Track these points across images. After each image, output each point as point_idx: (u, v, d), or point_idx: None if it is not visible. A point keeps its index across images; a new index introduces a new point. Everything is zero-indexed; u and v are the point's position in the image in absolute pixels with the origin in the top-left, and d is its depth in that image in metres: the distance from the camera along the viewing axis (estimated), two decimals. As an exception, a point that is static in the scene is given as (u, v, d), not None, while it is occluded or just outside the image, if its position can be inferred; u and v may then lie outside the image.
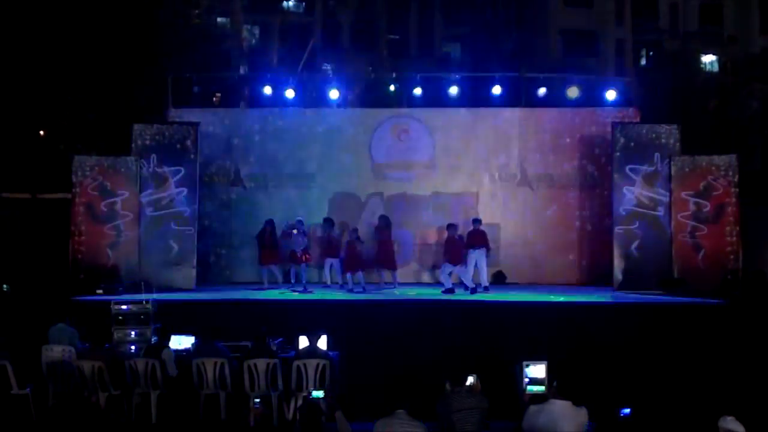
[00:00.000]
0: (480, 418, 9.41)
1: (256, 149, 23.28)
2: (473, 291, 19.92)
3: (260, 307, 18.25)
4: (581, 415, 8.86)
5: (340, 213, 22.88)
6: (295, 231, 20.44)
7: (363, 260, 20.96)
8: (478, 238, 20.43)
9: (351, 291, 20.15)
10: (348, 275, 20.52)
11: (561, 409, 8.81)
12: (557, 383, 8.99)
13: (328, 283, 21.40)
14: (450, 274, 20.32)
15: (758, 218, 21.33)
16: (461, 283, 20.44)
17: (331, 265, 21.39)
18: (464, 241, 20.50)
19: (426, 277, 22.80)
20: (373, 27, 46.27)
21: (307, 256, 20.64)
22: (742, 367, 15.29)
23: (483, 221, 21.14)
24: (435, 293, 19.88)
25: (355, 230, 21.04)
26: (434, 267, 22.61)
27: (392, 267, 21.26)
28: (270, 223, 20.98)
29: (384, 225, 21.09)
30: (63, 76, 28.81)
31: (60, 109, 28.97)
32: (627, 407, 9.30)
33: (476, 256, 20.31)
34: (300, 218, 21.00)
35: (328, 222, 21.31)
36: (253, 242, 21.40)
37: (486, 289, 20.26)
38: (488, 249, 20.61)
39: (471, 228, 20.66)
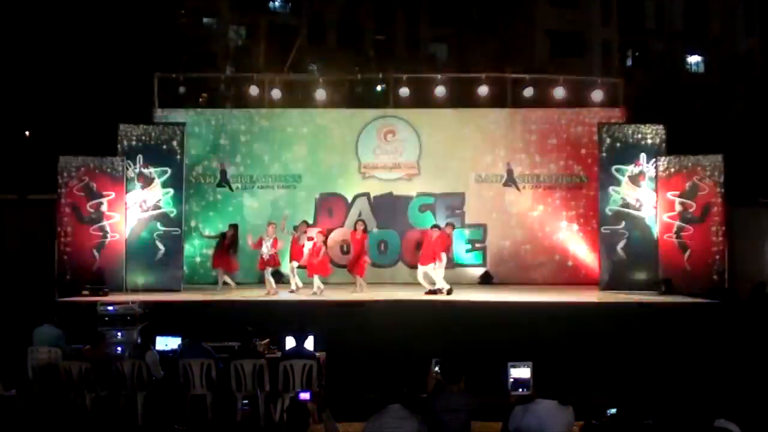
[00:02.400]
0: (468, 418, 9.43)
1: (243, 150, 23.27)
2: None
3: (247, 307, 18.23)
4: (567, 414, 8.89)
5: (327, 214, 22.91)
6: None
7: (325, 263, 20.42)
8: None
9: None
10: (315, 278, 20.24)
11: (547, 408, 8.84)
12: (543, 383, 9.02)
13: (294, 288, 20.34)
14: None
15: (744, 218, 21.39)
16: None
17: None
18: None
19: (412, 278, 22.75)
20: (359, 28, 46.25)
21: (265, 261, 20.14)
22: (730, 367, 15.36)
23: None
24: (421, 294, 19.89)
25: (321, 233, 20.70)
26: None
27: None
28: (234, 227, 21.00)
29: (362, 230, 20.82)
30: (49, 77, 28.74)
31: (46, 110, 28.89)
32: (613, 407, 9.32)
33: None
34: (271, 221, 20.64)
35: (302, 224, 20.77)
36: (242, 244, 21.36)
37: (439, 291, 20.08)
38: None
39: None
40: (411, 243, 22.76)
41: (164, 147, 21.08)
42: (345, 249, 22.27)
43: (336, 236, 22.60)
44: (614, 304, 18.84)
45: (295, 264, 20.30)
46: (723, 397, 8.75)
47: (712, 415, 8.23)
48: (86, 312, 16.14)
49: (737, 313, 17.33)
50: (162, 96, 23.13)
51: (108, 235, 20.61)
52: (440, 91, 22.78)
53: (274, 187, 23.25)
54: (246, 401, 12.56)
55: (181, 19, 35.87)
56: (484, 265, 22.86)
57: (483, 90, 22.73)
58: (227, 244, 20.62)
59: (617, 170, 21.03)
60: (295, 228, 20.35)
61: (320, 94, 22.86)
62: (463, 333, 16.60)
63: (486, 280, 22.53)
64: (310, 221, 22.25)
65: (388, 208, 23.04)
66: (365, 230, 20.62)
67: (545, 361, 9.88)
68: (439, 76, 23.26)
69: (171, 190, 20.99)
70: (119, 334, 15.19)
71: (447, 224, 20.61)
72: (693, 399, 8.82)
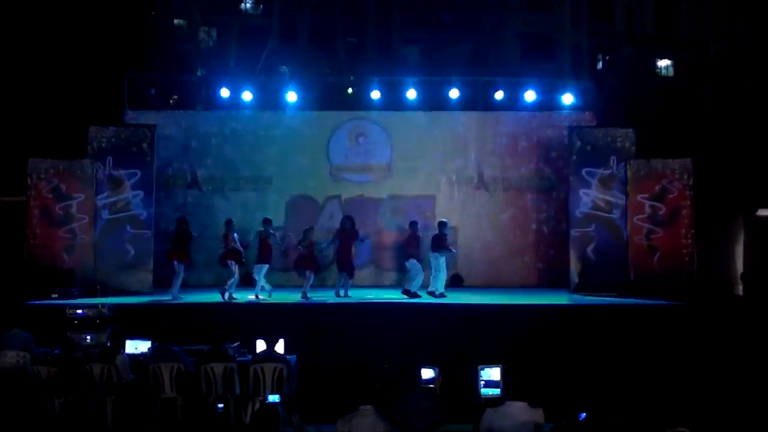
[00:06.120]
0: (434, 420, 9.45)
1: (213, 152, 23.20)
2: (414, 295, 19.82)
3: (217, 310, 18.17)
4: (537, 415, 8.93)
5: (298, 216, 22.86)
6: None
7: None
8: (441, 241, 20.25)
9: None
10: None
11: (517, 410, 8.88)
12: (513, 384, 9.05)
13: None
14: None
15: (713, 221, 21.53)
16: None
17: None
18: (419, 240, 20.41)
19: (383, 280, 22.79)
20: (330, 29, 46.30)
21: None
22: (699, 369, 15.45)
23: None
24: (392, 296, 19.89)
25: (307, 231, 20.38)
26: (392, 269, 22.72)
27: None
28: (183, 221, 19.97)
29: (350, 227, 20.56)
30: (18, 78, 28.55)
31: (15, 111, 28.68)
32: (583, 411, 9.36)
33: (436, 260, 20.10)
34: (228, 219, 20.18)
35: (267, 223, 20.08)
36: (211, 245, 21.22)
37: (442, 295, 19.88)
38: (448, 251, 20.40)
39: (436, 231, 20.49)
40: (381, 245, 22.83)
41: (134, 149, 20.99)
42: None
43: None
44: (584, 306, 18.90)
45: (265, 266, 19.84)
46: (686, 401, 8.81)
47: (673, 420, 8.28)
48: (55, 315, 16.04)
49: (705, 315, 17.44)
50: (132, 97, 23.00)
51: (77, 238, 20.49)
52: (411, 93, 22.80)
53: (245, 189, 23.19)
54: (222, 405, 12.52)
55: (151, 20, 35.76)
56: (454, 267, 22.85)
57: (454, 93, 22.78)
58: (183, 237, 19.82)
59: (587, 173, 21.12)
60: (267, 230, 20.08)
61: (291, 95, 22.82)
62: (433, 335, 16.62)
63: (456, 282, 22.53)
64: (281, 224, 22.26)
65: (359, 210, 22.96)
66: (354, 225, 20.43)
67: (515, 363, 9.91)
68: (410, 79, 23.27)
69: (141, 193, 20.90)
70: (88, 337, 15.10)
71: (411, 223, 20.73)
72: (657, 403, 8.88)
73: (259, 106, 23.35)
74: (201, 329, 14.56)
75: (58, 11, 29.15)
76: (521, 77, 24.39)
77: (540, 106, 23.18)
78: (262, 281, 19.58)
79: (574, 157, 21.24)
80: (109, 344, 13.82)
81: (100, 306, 15.52)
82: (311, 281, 19.61)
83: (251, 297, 19.37)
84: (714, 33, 49.00)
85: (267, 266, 19.66)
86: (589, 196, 21.07)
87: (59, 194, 20.50)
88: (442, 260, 20.04)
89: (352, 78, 25.61)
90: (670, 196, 20.56)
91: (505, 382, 9.68)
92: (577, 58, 47.66)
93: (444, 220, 20.80)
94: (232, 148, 23.21)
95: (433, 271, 20.03)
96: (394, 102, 23.45)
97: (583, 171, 21.13)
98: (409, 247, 20.40)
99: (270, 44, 41.00)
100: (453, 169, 23.31)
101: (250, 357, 13.49)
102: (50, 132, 27.24)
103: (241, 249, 19.49)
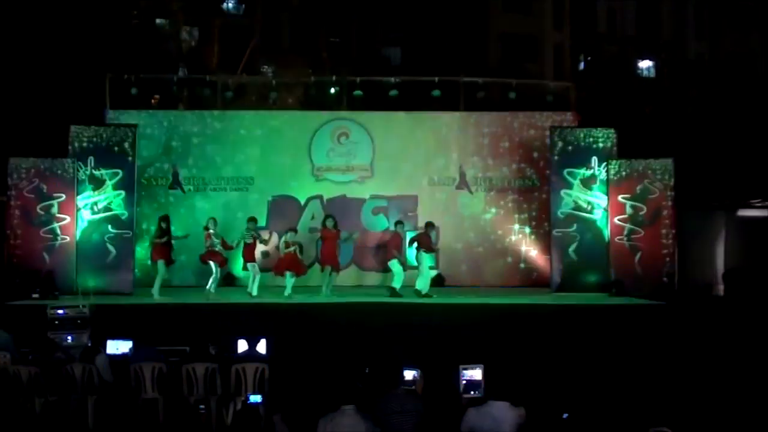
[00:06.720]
0: (416, 420, 9.45)
1: (195, 151, 23.14)
2: (396, 294, 19.85)
3: (199, 310, 18.12)
4: (519, 415, 8.94)
5: (279, 216, 22.82)
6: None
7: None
8: (426, 241, 20.27)
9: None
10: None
11: (499, 410, 8.88)
12: (495, 384, 9.06)
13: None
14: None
15: (694, 222, 21.60)
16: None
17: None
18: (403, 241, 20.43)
19: (365, 280, 22.79)
20: (313, 30, 46.22)
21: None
22: (680, 369, 15.51)
23: (422, 224, 21.17)
24: (374, 296, 19.89)
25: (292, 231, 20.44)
26: (374, 269, 22.72)
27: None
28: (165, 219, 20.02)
29: (332, 225, 20.55)
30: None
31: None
32: (565, 412, 9.38)
33: (422, 261, 20.13)
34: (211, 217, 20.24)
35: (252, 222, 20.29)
36: (192, 245, 21.15)
37: (427, 295, 19.93)
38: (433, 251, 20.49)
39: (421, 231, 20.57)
40: (363, 245, 22.81)
41: (116, 149, 20.91)
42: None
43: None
44: (566, 306, 18.94)
45: (255, 266, 19.95)
46: (668, 401, 8.84)
47: (655, 420, 8.31)
48: (36, 315, 15.96)
49: (685, 315, 17.51)
50: (114, 97, 22.93)
51: (58, 238, 20.41)
52: (393, 93, 22.80)
53: (227, 189, 23.14)
54: (203, 406, 12.48)
55: (133, 19, 35.64)
56: (436, 267, 22.85)
57: (436, 93, 22.79)
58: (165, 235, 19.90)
59: (569, 173, 21.18)
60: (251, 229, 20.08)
61: (273, 95, 22.78)
62: (415, 335, 16.61)
63: (438, 282, 22.53)
64: (263, 224, 22.23)
65: (341, 211, 22.93)
66: (336, 225, 20.41)
67: (497, 363, 9.92)
68: (392, 79, 23.28)
69: (122, 192, 20.82)
70: (69, 337, 15.04)
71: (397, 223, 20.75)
72: (639, 403, 8.92)
73: (241, 106, 23.32)
74: (182, 329, 14.55)
75: (40, 10, 29.03)
76: (503, 77, 24.38)
77: (522, 107, 23.23)
78: (252, 280, 19.66)
79: (556, 157, 21.30)
80: (89, 344, 13.77)
81: (80, 306, 15.45)
82: (293, 282, 19.60)
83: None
84: (695, 34, 49.19)
85: (256, 265, 19.71)
86: (570, 197, 21.14)
87: (40, 194, 20.41)
88: (428, 260, 20.06)
89: (334, 78, 25.53)
90: (651, 196, 20.65)
91: (486, 382, 9.70)
92: (559, 58, 47.73)
93: (431, 221, 20.82)
94: (214, 148, 23.16)
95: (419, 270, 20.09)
96: (376, 102, 23.47)
97: (565, 171, 21.20)
98: (392, 247, 20.41)
99: (252, 44, 40.85)
100: (435, 169, 23.34)
101: (232, 357, 13.46)
102: (31, 131, 27.15)
103: (219, 249, 19.44)
